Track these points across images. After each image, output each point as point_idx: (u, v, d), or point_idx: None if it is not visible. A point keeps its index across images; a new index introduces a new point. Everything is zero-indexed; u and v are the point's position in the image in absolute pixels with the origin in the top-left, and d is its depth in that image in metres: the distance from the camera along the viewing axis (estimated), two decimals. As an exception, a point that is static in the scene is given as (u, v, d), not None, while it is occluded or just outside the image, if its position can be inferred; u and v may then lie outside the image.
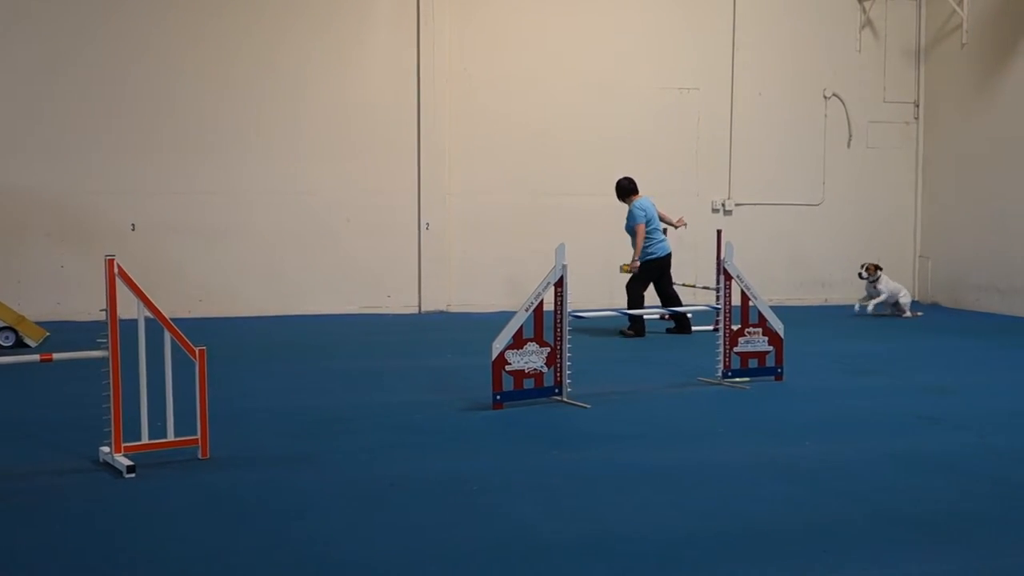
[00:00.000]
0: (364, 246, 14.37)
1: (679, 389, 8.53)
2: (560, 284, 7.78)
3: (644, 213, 11.94)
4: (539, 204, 14.82)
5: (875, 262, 14.68)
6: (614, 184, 12.22)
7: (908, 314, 14.26)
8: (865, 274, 14.25)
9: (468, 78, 14.61)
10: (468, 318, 14.02)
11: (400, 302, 14.59)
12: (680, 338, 11.97)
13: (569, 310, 7.85)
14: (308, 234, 14.28)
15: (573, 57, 15.01)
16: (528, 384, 7.72)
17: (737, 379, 8.62)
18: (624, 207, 12.17)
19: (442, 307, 14.66)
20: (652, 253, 11.93)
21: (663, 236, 12.15)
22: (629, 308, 11.75)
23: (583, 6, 15.05)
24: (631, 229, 11.97)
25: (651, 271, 11.98)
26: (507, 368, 7.60)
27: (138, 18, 13.63)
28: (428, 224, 14.53)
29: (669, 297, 12.05)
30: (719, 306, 8.82)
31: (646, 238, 11.91)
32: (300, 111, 14.13)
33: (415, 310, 14.63)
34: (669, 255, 12.11)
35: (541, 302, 7.70)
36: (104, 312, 5.87)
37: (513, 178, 14.74)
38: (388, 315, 14.26)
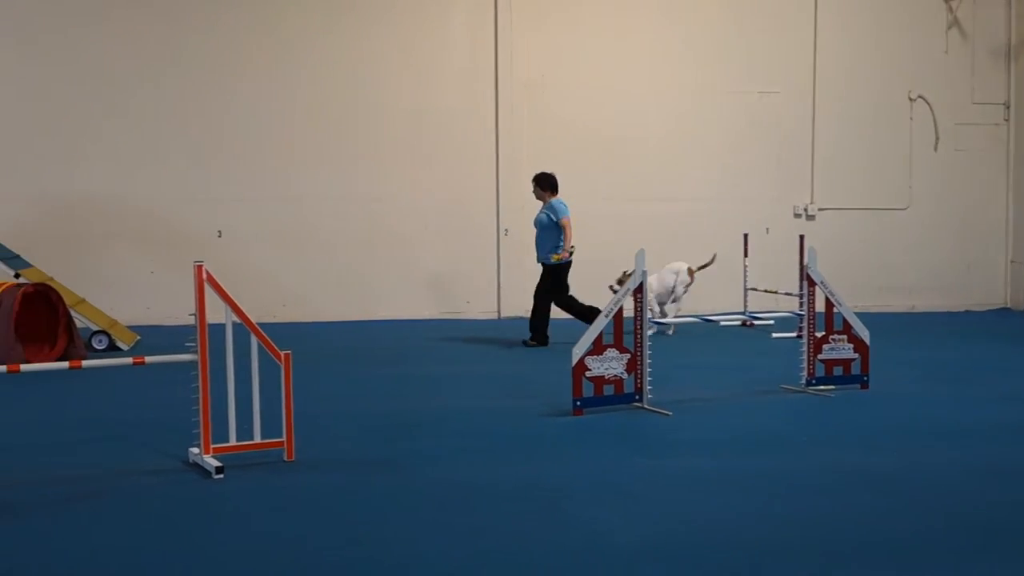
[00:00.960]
0: (443, 252, 14.48)
1: (762, 397, 8.44)
2: (640, 290, 7.76)
3: (567, 208, 11.56)
4: (616, 210, 14.77)
5: (627, 270, 12.93)
6: (534, 176, 11.76)
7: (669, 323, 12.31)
8: (618, 286, 12.45)
9: (545, 84, 14.64)
10: (549, 323, 13.99)
11: (479, 308, 14.65)
12: (765, 344, 11.81)
13: (649, 316, 7.82)
14: (388, 240, 14.43)
15: (650, 62, 14.94)
16: (608, 390, 7.71)
17: (821, 387, 8.50)
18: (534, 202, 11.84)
19: (521, 312, 14.67)
20: (565, 257, 11.53)
21: None
22: (535, 316, 11.54)
23: (660, 11, 14.97)
24: (553, 224, 11.35)
25: (563, 277, 11.56)
26: (587, 374, 7.60)
27: (222, 32, 13.92)
28: (507, 230, 14.57)
29: (562, 302, 11.69)
30: (802, 312, 8.71)
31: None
32: (380, 119, 14.29)
33: (494, 316, 14.69)
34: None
35: (621, 308, 7.69)
36: (193, 317, 6.01)
37: (590, 184, 14.70)
38: (467, 320, 14.34)
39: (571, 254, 11.35)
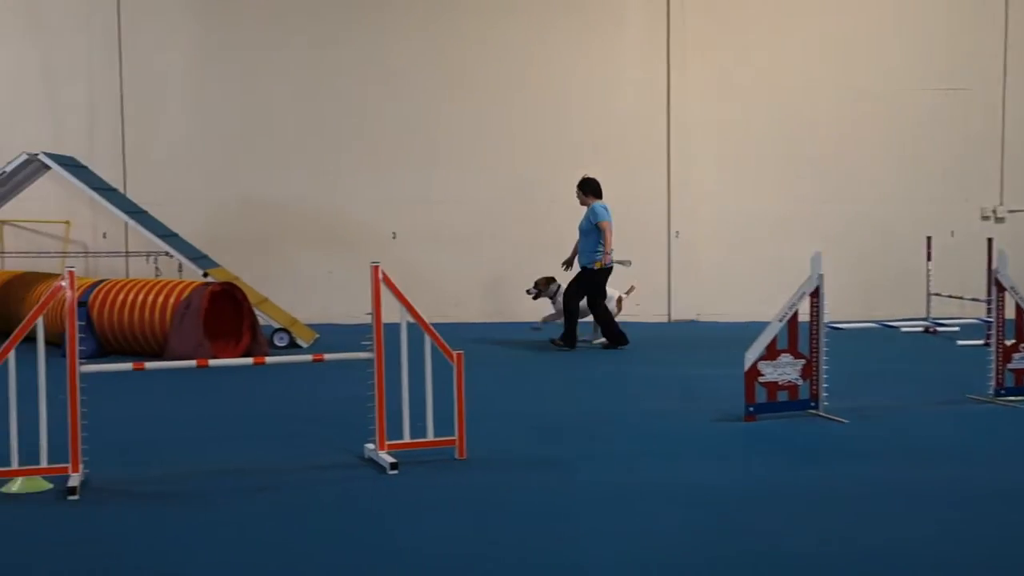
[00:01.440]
0: (613, 254, 14.38)
1: (945, 407, 8.08)
2: (816, 294, 7.54)
3: (608, 213, 11.35)
4: (791, 212, 14.41)
5: (548, 275, 12.40)
6: (580, 180, 11.63)
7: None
8: (535, 290, 12.09)
9: (718, 86, 14.40)
10: (718, 327, 13.81)
11: (650, 311, 14.52)
12: (949, 351, 11.32)
13: (826, 321, 7.61)
14: (559, 242, 14.42)
15: (826, 62, 14.48)
16: (782, 396, 7.52)
17: (1011, 398, 8.07)
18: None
19: (692, 316, 14.52)
20: (607, 262, 11.31)
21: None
22: (567, 317, 11.34)
23: (837, 9, 14.50)
24: (593, 227, 11.25)
25: (602, 283, 11.38)
26: (760, 379, 7.44)
27: (395, 41, 14.24)
28: (678, 233, 14.42)
29: (600, 310, 11.45)
30: (990, 320, 8.30)
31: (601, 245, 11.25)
32: (552, 122, 14.35)
33: (665, 319, 14.55)
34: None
35: (796, 312, 7.49)
36: (370, 316, 6.17)
37: (764, 186, 14.40)
38: (637, 323, 14.22)
39: (612, 259, 11.25)
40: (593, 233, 11.30)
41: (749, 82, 14.42)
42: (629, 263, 11.78)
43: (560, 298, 11.74)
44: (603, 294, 11.47)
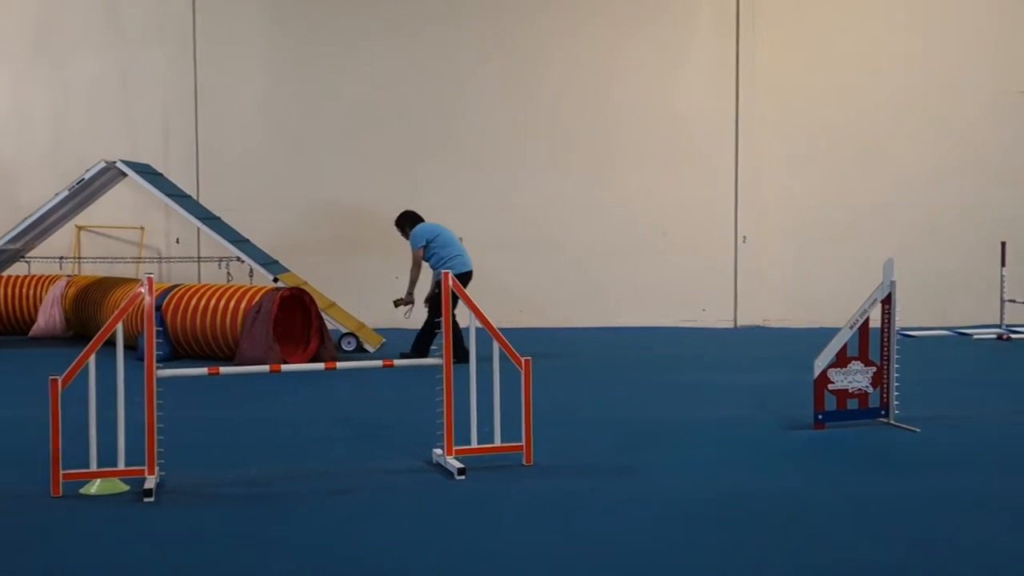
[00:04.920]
0: (680, 259, 14.36)
1: (1021, 415, 7.93)
2: (888, 301, 7.45)
3: (430, 232, 10.99)
4: (861, 217, 14.22)
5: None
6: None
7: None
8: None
9: (787, 88, 14.27)
10: (786, 333, 13.68)
11: (715, 316, 14.46)
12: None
13: (897, 328, 7.51)
14: (623, 247, 14.46)
15: (899, 63, 14.28)
16: (852, 404, 7.44)
17: (1089, 407, 7.91)
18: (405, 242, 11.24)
19: (759, 321, 14.40)
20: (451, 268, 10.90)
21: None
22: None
23: (909, 9, 14.29)
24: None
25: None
26: (830, 387, 7.36)
27: (464, 47, 14.35)
28: (745, 237, 14.32)
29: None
30: (1067, 327, 8.13)
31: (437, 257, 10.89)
32: (618, 125, 14.35)
33: (730, 324, 14.46)
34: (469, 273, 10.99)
35: (867, 319, 7.41)
36: (438, 322, 6.21)
37: (834, 190, 14.24)
38: (703, 329, 14.18)
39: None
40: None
41: (819, 84, 14.27)
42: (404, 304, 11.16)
43: None
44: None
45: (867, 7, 14.35)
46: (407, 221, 11.25)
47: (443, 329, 6.20)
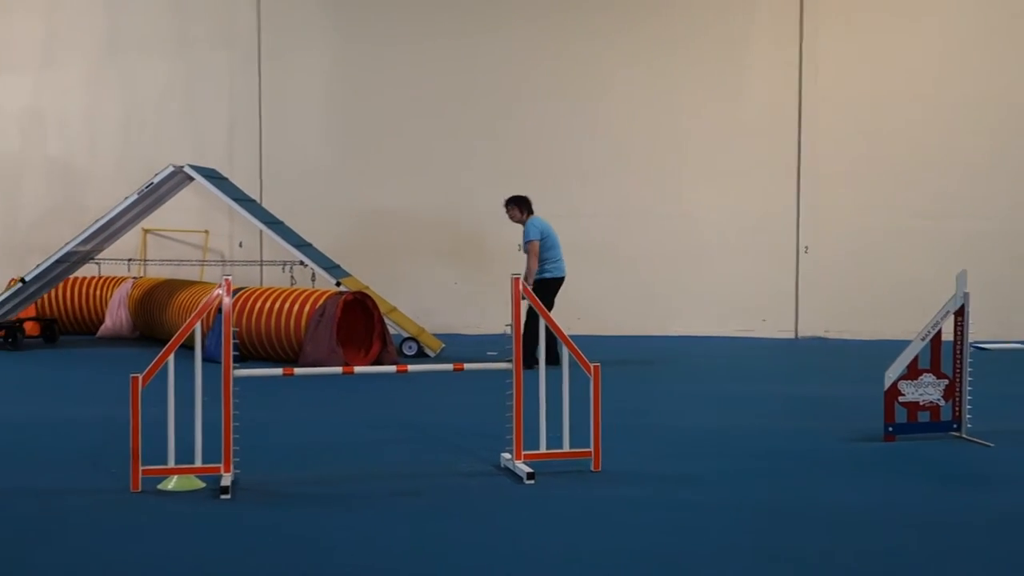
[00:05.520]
0: (739, 269, 14.27)
1: (1095, 431, 7.81)
2: (961, 313, 7.37)
3: (544, 229, 10.95)
4: (925, 228, 14.03)
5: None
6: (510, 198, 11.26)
7: None
8: None
9: (850, 98, 14.12)
10: (847, 345, 13.54)
11: (775, 326, 14.34)
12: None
13: (970, 340, 7.42)
14: (683, 255, 14.40)
15: (965, 74, 14.07)
16: (923, 417, 7.35)
17: None
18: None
19: (820, 333, 14.27)
20: (547, 272, 10.92)
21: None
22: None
23: (971, 18, 14.09)
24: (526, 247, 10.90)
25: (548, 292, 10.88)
26: (900, 399, 7.29)
27: (524, 56, 14.39)
28: (807, 247, 14.20)
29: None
30: None
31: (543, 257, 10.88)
32: (678, 132, 14.30)
33: (791, 335, 14.33)
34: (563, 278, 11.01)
35: (939, 331, 7.32)
36: (508, 327, 6.26)
37: (897, 200, 14.06)
38: (762, 339, 14.07)
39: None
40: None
41: (882, 93, 14.11)
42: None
43: None
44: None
45: (929, 17, 14.17)
46: (521, 205, 11.23)
47: (513, 332, 6.23)
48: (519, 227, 11.24)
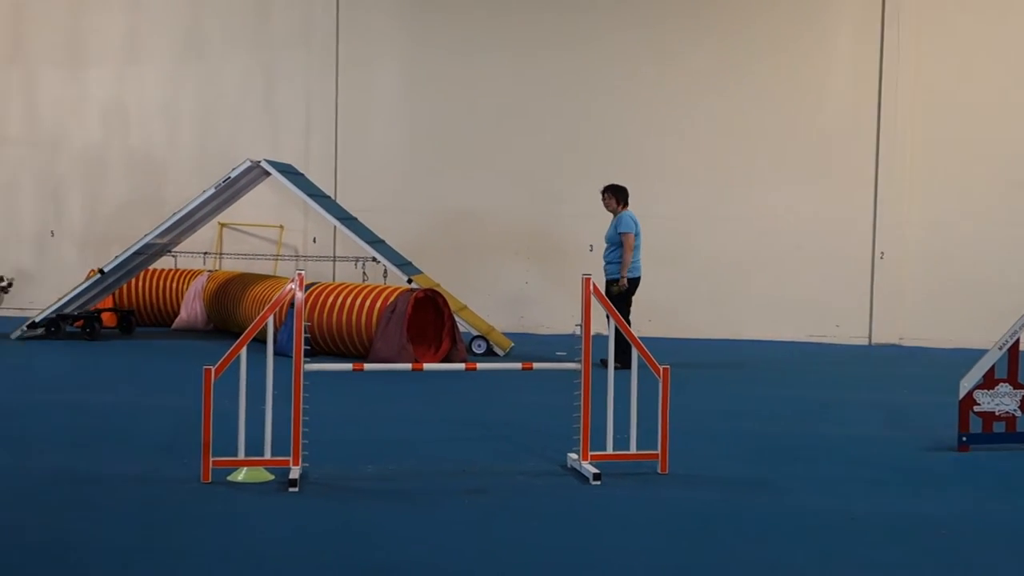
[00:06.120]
0: (813, 273, 14.06)
1: None
2: (1037, 322, 7.19)
3: (636, 225, 10.81)
4: (1005, 235, 13.66)
5: None
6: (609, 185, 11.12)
7: None
8: None
9: (930, 103, 13.84)
10: (923, 352, 13.28)
11: (849, 332, 14.12)
12: None
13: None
14: (756, 259, 14.24)
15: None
16: (999, 427, 7.19)
17: None
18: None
19: (894, 340, 14.02)
20: (629, 270, 10.77)
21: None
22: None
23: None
24: (617, 238, 10.80)
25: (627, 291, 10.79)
26: (975, 409, 7.13)
27: (602, 61, 14.33)
28: (883, 253, 13.96)
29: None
30: None
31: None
32: (755, 135, 14.14)
33: (864, 341, 14.09)
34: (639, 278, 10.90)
35: (1017, 341, 7.15)
36: (578, 327, 6.24)
37: (976, 207, 13.73)
38: (836, 345, 13.86)
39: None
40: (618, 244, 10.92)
41: (963, 98, 13.80)
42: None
43: None
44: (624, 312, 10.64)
45: (1017, 17, 13.84)
46: (619, 195, 11.20)
47: (583, 333, 6.21)
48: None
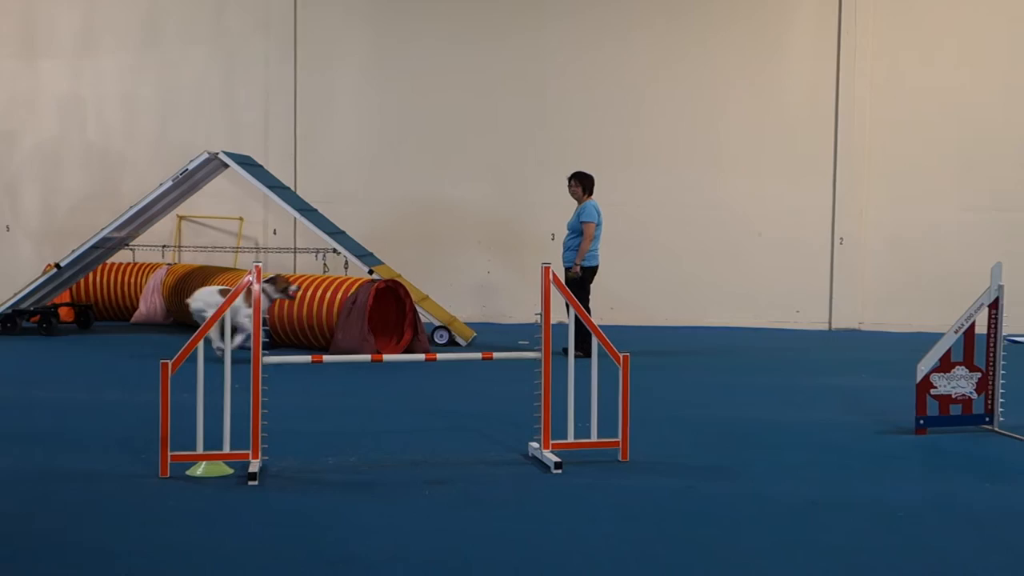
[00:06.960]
0: (774, 260, 14.18)
1: None
2: (995, 306, 7.27)
3: (599, 215, 10.90)
4: (962, 220, 13.88)
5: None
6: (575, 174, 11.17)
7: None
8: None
9: (888, 89, 13.99)
10: (882, 337, 13.44)
11: (809, 318, 14.26)
12: None
13: (1004, 334, 7.33)
14: (717, 247, 14.33)
15: (1002, 61, 13.89)
16: (955, 410, 7.28)
17: None
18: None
19: (854, 325, 14.16)
20: (587, 260, 10.88)
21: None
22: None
23: (1015, 4, 13.88)
24: (578, 227, 10.85)
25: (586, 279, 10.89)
26: (932, 392, 7.21)
27: (557, 45, 14.36)
28: (842, 239, 14.08)
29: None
30: None
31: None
32: (715, 123, 14.22)
33: (825, 327, 14.24)
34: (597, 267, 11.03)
35: (973, 324, 7.24)
36: (538, 316, 6.24)
37: (934, 192, 13.92)
38: (796, 331, 13.99)
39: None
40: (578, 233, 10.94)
41: (920, 85, 13.97)
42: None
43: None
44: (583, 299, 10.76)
45: (974, 1, 13.98)
46: (585, 183, 11.16)
47: (543, 322, 6.21)
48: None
